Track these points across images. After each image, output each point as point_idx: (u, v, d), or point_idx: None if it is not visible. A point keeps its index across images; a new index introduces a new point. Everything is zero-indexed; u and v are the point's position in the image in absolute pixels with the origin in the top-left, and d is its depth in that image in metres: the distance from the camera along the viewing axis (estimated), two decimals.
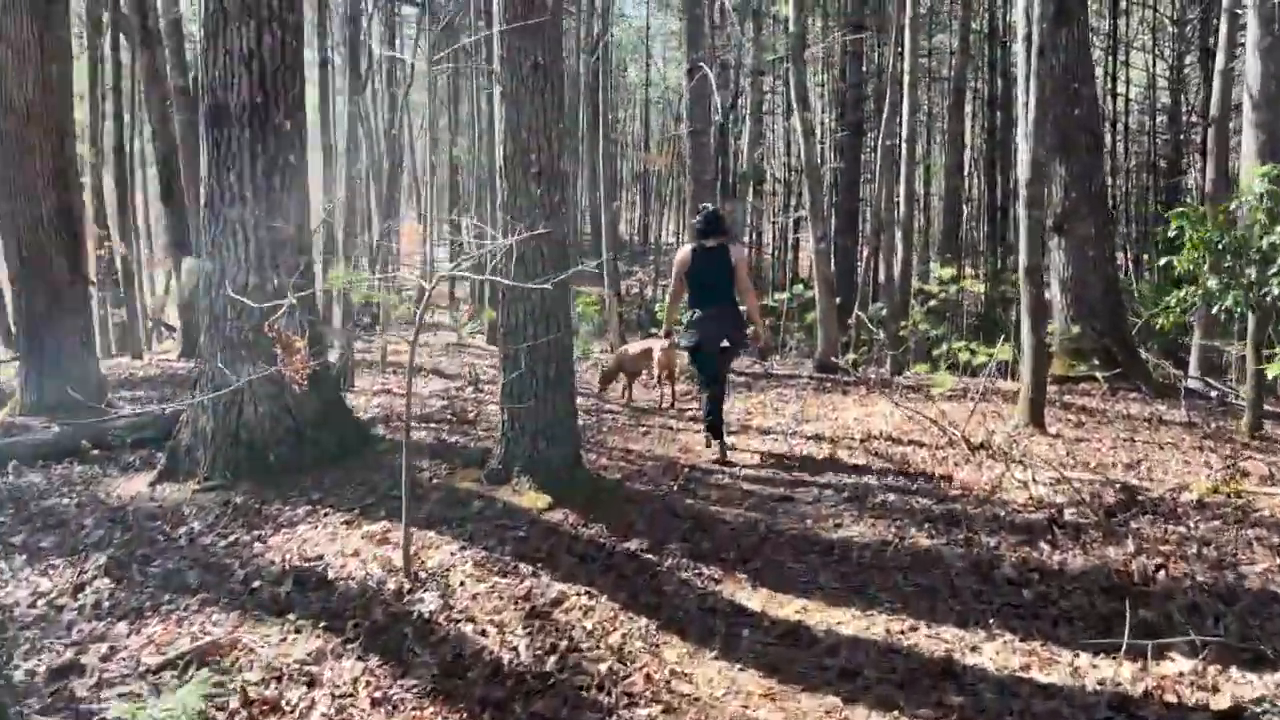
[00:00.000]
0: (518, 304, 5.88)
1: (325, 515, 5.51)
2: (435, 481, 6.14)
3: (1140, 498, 6.30)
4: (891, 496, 6.51)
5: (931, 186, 27.96)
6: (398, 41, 27.79)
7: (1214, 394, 11.53)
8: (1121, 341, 11.77)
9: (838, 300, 12.75)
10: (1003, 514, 6.11)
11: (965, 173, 24.15)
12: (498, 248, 4.90)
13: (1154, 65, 27.84)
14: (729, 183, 24.91)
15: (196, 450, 6.35)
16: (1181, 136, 27.79)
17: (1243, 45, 15.92)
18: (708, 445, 7.73)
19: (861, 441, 8.18)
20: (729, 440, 7.76)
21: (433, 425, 8.35)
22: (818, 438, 8.36)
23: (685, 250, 7.57)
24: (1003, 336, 17.58)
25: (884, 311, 14.50)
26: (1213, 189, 14.99)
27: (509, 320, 5.95)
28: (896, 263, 13.84)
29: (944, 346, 12.95)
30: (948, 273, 13.51)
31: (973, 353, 10.36)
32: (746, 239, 22.85)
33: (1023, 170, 8.68)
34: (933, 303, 13.71)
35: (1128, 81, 28.48)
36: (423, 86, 34.49)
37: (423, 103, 33.55)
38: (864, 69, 23.33)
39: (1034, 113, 8.56)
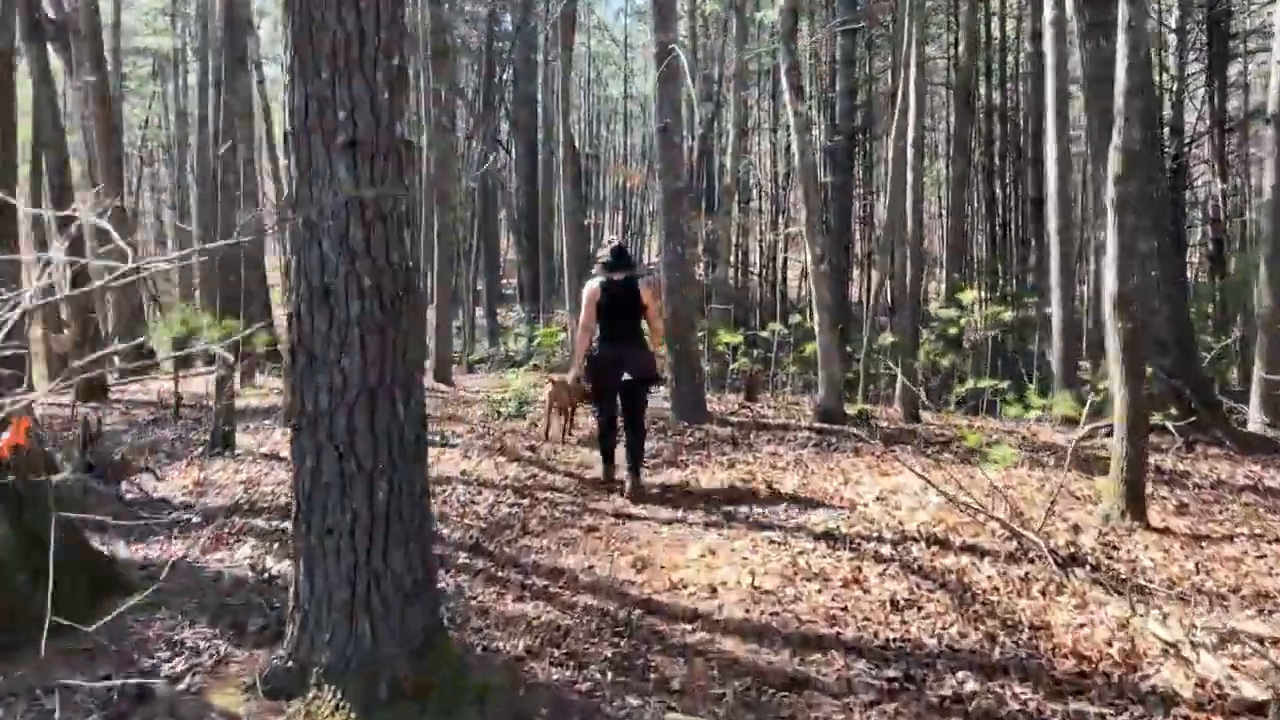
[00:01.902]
0: (319, 372, 3.14)
1: None
2: (186, 687, 3.36)
3: None
4: (968, 680, 3.77)
5: (927, 201, 25.32)
6: None
7: None
8: (1196, 383, 9.07)
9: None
10: None
11: (973, 185, 21.49)
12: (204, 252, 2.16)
13: (1160, 77, 25.26)
14: (712, 197, 22.28)
15: None
16: (1186, 148, 25.24)
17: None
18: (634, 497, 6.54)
19: (894, 545, 5.44)
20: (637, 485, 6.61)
21: (278, 528, 5.57)
22: (830, 537, 5.62)
23: (594, 284, 6.75)
24: (1023, 373, 14.93)
25: (891, 342, 11.82)
26: (1275, 197, 12.39)
27: (305, 401, 3.20)
28: (905, 285, 11.12)
29: (969, 384, 10.30)
30: (969, 295, 10.82)
31: (1025, 405, 7.64)
32: (733, 260, 20.17)
33: (1112, 163, 5.97)
34: (953, 330, 11.03)
35: None
36: None
37: None
38: (856, 75, 20.69)
39: (1124, 81, 5.87)
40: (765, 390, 12.49)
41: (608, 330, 6.67)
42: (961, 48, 18.24)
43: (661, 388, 11.33)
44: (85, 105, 15.84)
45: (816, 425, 9.20)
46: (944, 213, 20.49)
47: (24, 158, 17.19)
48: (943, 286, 21.86)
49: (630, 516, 6.21)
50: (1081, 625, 4.31)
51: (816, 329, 9.26)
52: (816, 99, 23.31)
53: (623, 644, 4.04)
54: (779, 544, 5.51)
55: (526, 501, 6.50)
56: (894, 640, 4.18)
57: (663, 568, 5.14)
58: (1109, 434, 8.74)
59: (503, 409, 8.89)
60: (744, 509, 6.31)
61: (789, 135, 27.13)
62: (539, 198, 20.63)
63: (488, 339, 23.24)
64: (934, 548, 5.38)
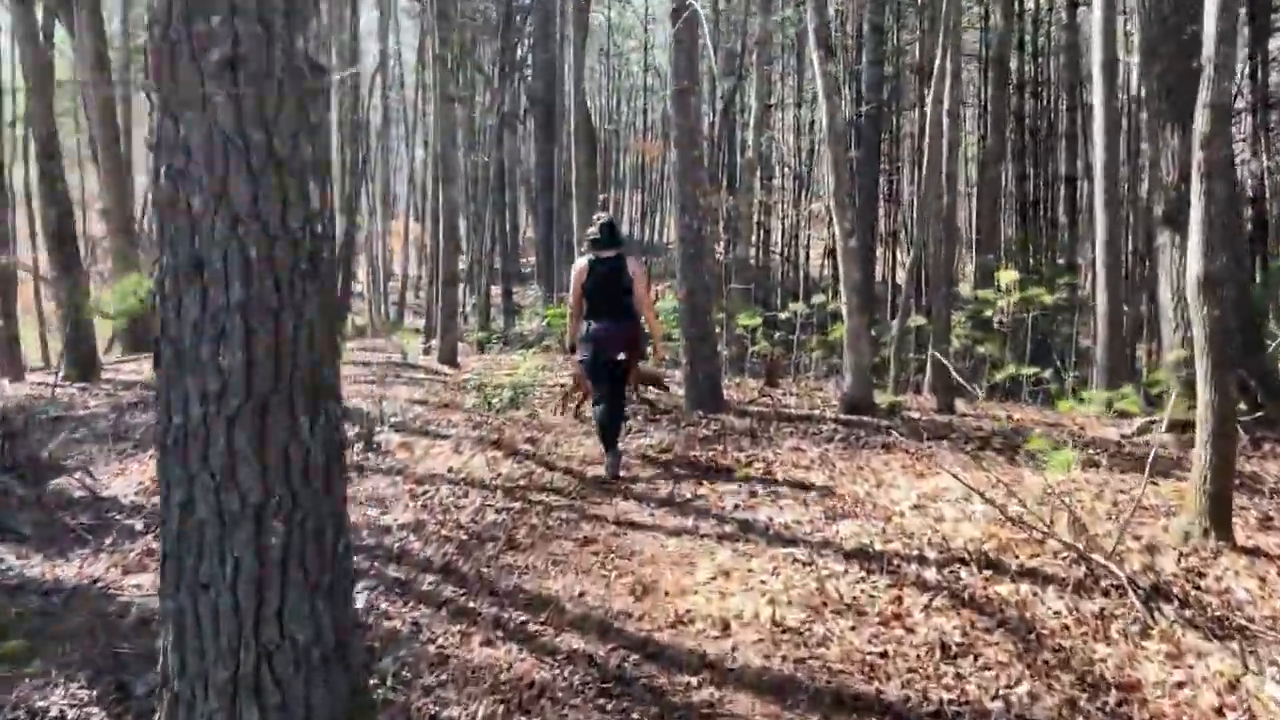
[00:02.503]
0: (188, 374, 2.29)
1: None
2: None
3: None
4: None
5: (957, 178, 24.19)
6: None
7: None
8: (1261, 373, 8.10)
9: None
10: None
11: (1003, 162, 20.31)
12: None
13: None
14: (733, 173, 21.31)
15: None
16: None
17: None
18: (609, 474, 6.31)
19: (940, 568, 4.57)
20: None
21: None
22: (864, 555, 4.76)
23: (582, 262, 6.55)
24: (1058, 360, 13.95)
25: (919, 326, 10.88)
26: None
27: (172, 411, 2.35)
28: (939, 264, 10.15)
29: (1008, 370, 9.38)
30: (1008, 276, 9.86)
31: (1080, 398, 6.72)
32: (754, 238, 19.19)
33: (1200, 122, 5.01)
34: (988, 313, 10.10)
35: None
36: None
37: None
38: (884, 46, 19.58)
39: (1216, 23, 4.91)
40: (786, 375, 11.60)
41: (597, 309, 6.38)
42: (997, 16, 17.17)
43: (676, 372, 10.49)
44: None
45: (843, 417, 8.30)
46: (973, 190, 19.40)
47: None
48: (969, 268, 20.81)
49: (634, 525, 5.36)
50: (1180, 684, 3.43)
51: (844, 311, 8.35)
52: (842, 72, 22.22)
53: (611, 707, 3.20)
54: (804, 564, 4.65)
55: (518, 505, 5.67)
56: (948, 702, 3.31)
57: (667, 594, 4.29)
58: (1168, 429, 7.83)
59: (494, 400, 8.00)
60: (763, 517, 5.45)
61: (813, 110, 26.03)
62: (554, 173, 19.70)
63: (503, 318, 22.43)
64: (986, 571, 4.50)
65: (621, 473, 6.40)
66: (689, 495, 5.97)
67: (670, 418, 8.36)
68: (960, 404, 9.77)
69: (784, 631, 3.88)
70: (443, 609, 3.96)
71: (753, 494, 5.95)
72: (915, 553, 4.77)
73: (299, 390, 2.35)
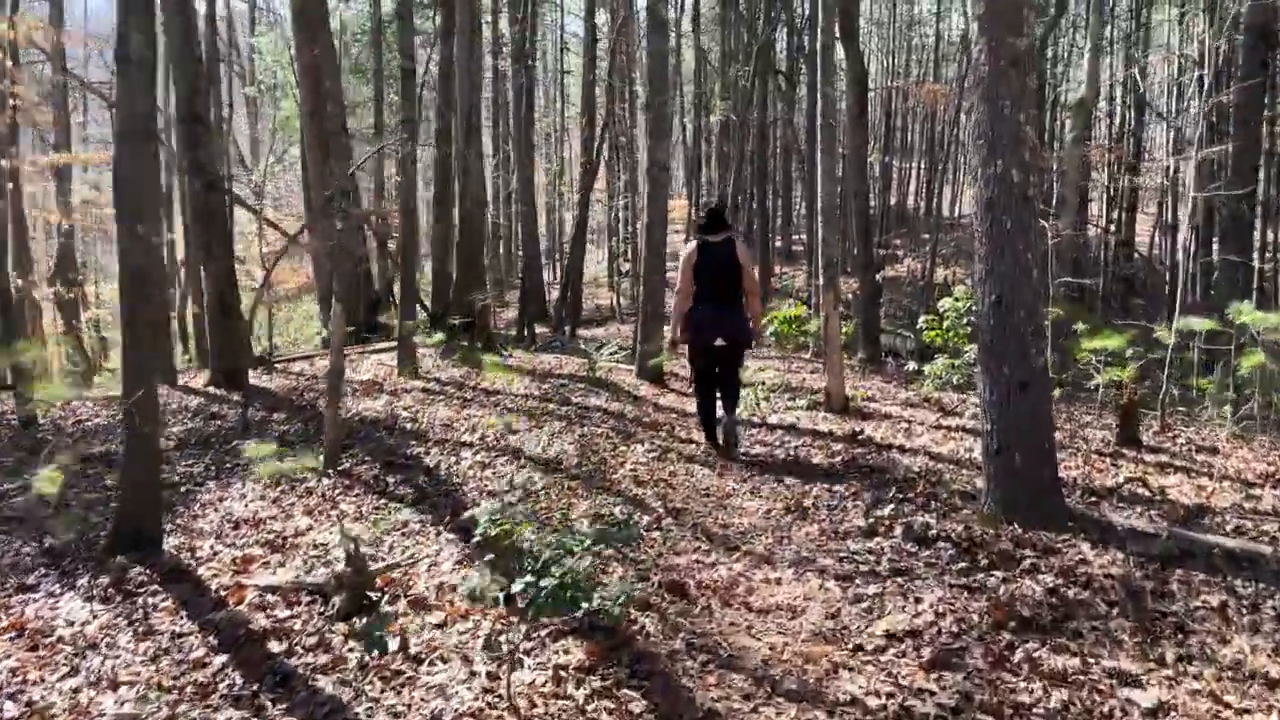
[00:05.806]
0: None
1: None
2: None
3: None
4: None
5: None
6: None
7: None
8: None
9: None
10: None
11: None
12: None
13: None
14: (1050, 121, 16.11)
15: None
16: None
17: None
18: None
19: None
20: None
21: None
22: None
23: (691, 246, 6.15)
24: None
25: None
26: None
27: None
28: None
29: None
30: None
31: None
32: (1080, 210, 14.00)
33: None
34: None
35: None
36: None
37: None
38: None
39: None
40: (1152, 416, 6.93)
41: (706, 293, 5.91)
42: None
43: (978, 469, 6.34)
44: None
45: None
46: None
47: None
48: None
49: None
50: None
51: None
52: None
53: None
54: None
55: None
56: None
57: None
58: None
59: (521, 595, 3.25)
60: None
61: (1145, 53, 19.85)
62: (817, 133, 15.64)
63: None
64: None
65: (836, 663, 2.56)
66: None
67: (959, 534, 4.26)
68: None
69: None
70: None
71: None
72: None
73: None
